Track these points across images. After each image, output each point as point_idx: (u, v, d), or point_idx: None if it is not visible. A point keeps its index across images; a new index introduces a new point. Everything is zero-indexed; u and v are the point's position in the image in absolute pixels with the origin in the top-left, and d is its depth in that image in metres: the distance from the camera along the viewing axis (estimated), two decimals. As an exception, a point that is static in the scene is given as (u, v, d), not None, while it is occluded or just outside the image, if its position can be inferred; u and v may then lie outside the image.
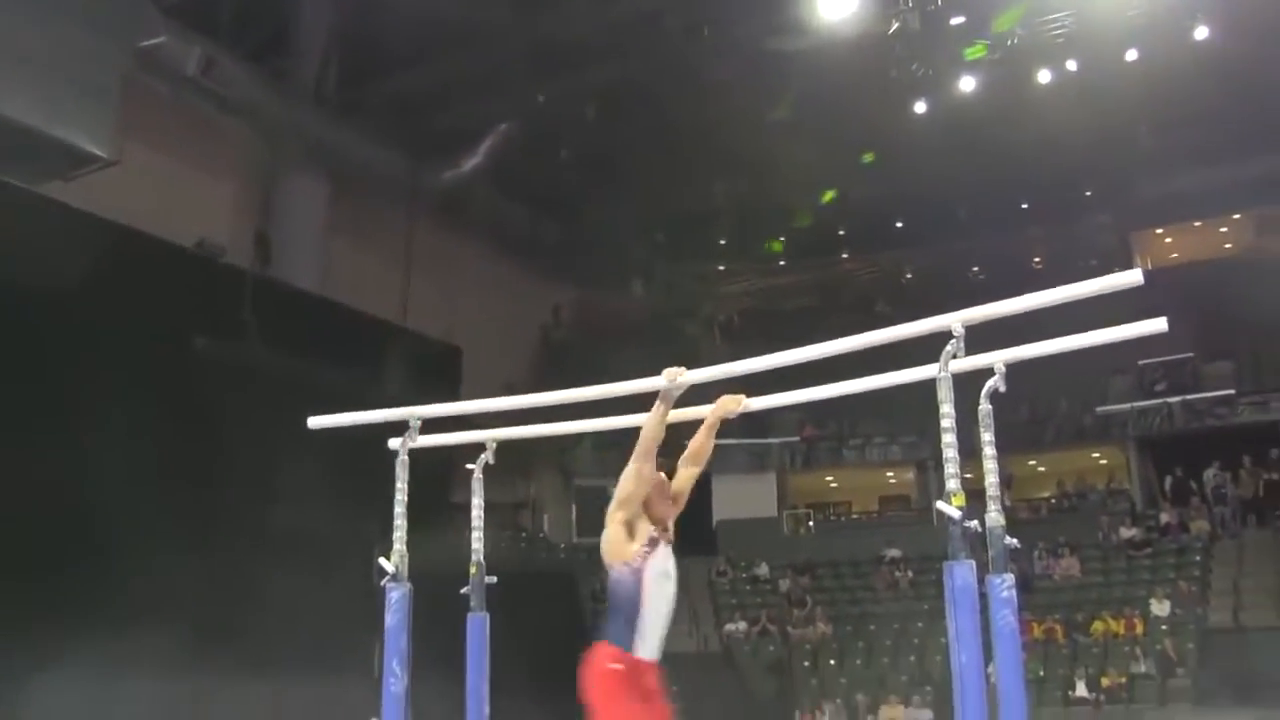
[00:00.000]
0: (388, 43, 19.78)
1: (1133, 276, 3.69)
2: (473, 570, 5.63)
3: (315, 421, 5.82)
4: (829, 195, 27.43)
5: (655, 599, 4.75)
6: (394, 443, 5.49)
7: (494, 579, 5.66)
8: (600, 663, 4.70)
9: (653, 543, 4.88)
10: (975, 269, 32.02)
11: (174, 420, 15.23)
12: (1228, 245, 32.56)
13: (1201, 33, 20.16)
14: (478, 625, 5.55)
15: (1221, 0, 19.82)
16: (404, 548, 5.33)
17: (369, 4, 19.41)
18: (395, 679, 5.20)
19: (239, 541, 15.78)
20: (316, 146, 21.60)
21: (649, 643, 4.73)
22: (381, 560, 5.30)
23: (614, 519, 4.93)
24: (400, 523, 5.37)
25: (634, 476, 4.92)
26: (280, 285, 20.22)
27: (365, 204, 23.49)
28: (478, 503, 5.83)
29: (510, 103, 22.88)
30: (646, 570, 4.77)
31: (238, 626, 14.76)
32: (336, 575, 15.65)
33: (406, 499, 5.53)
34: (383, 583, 5.30)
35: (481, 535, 5.77)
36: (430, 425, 5.72)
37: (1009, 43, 20.51)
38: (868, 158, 25.04)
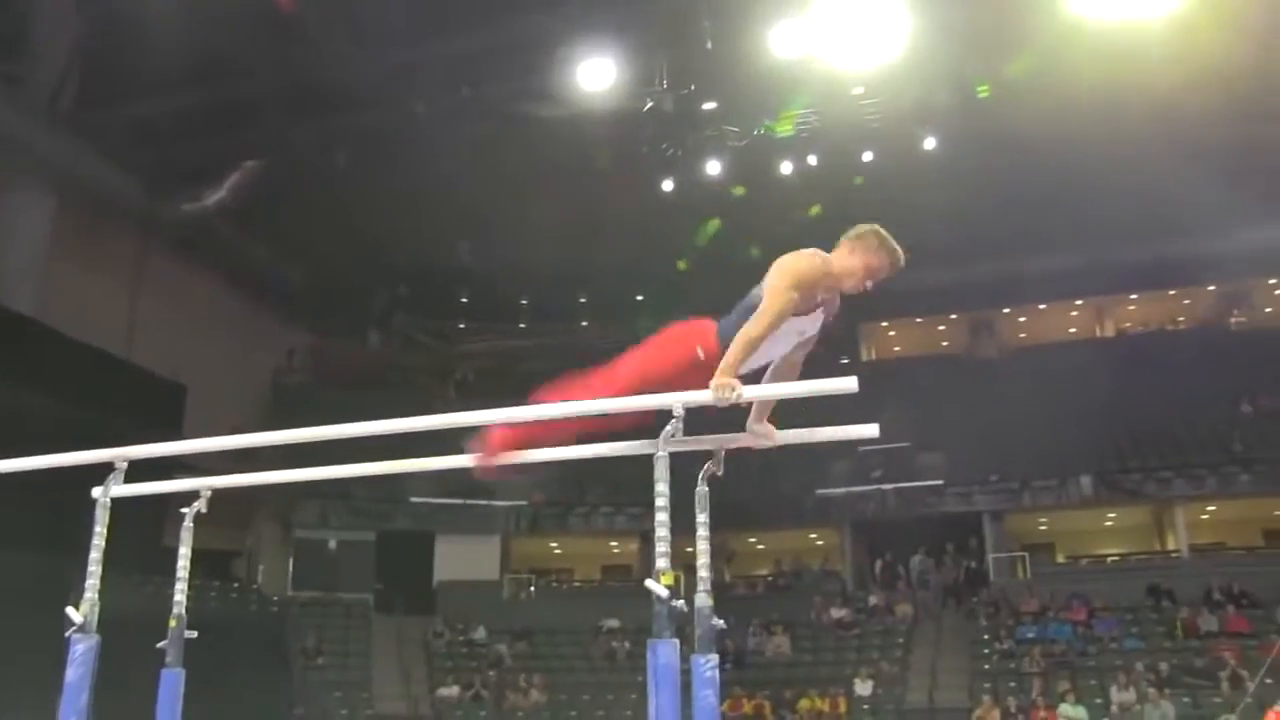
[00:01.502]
0: (136, 64, 18.91)
1: (848, 384, 3.86)
2: (172, 623, 5.35)
3: (4, 465, 5.44)
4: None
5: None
6: (96, 490, 5.17)
7: (194, 633, 5.40)
8: (694, 329, 4.58)
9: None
10: (712, 346, 32.93)
11: None
12: (945, 343, 34.59)
13: (930, 143, 21.50)
14: (171, 681, 5.26)
15: (946, 116, 21.16)
16: (96, 597, 5.01)
17: (118, 22, 18.55)
18: (73, 738, 4.87)
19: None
20: (46, 162, 20.49)
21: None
22: (70, 610, 4.97)
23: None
24: (94, 570, 5.03)
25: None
26: (-9, 305, 19.07)
27: (96, 229, 22.39)
28: (184, 552, 5.52)
29: (260, 140, 22.31)
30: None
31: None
32: (26, 624, 14.63)
33: (109, 544, 5.18)
34: (68, 634, 4.97)
35: (185, 587, 5.49)
36: (144, 465, 5.41)
37: (755, 132, 21.32)
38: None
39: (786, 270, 4.36)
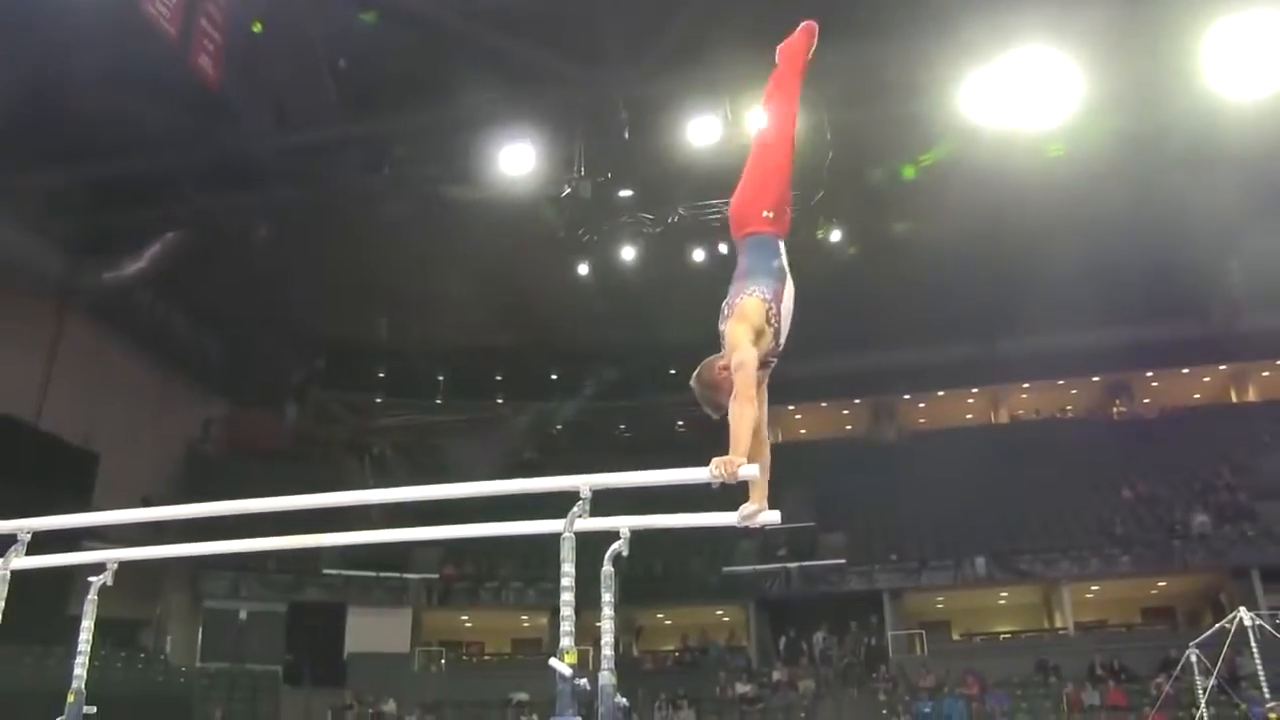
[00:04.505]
0: (58, 132, 18.55)
1: (749, 470, 3.82)
2: (70, 698, 5.09)
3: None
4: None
5: None
6: (-2, 562, 4.92)
7: (93, 709, 5.13)
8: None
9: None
10: (622, 426, 32.89)
11: None
12: (849, 427, 34.93)
13: (836, 235, 21.81)
14: (67, 758, 5.01)
15: (851, 211, 21.54)
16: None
17: (40, 89, 18.17)
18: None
19: None
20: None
21: None
22: (-39, 685, 4.72)
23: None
24: (-10, 644, 4.83)
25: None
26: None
27: (12, 294, 21.80)
28: (87, 625, 5.26)
29: (181, 211, 21.93)
30: None
31: None
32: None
33: (9, 613, 4.90)
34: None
35: (86, 661, 5.24)
36: (53, 530, 5.14)
37: (670, 220, 21.48)
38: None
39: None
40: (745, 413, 4.05)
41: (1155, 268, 24.92)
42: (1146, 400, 33.47)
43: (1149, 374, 33.25)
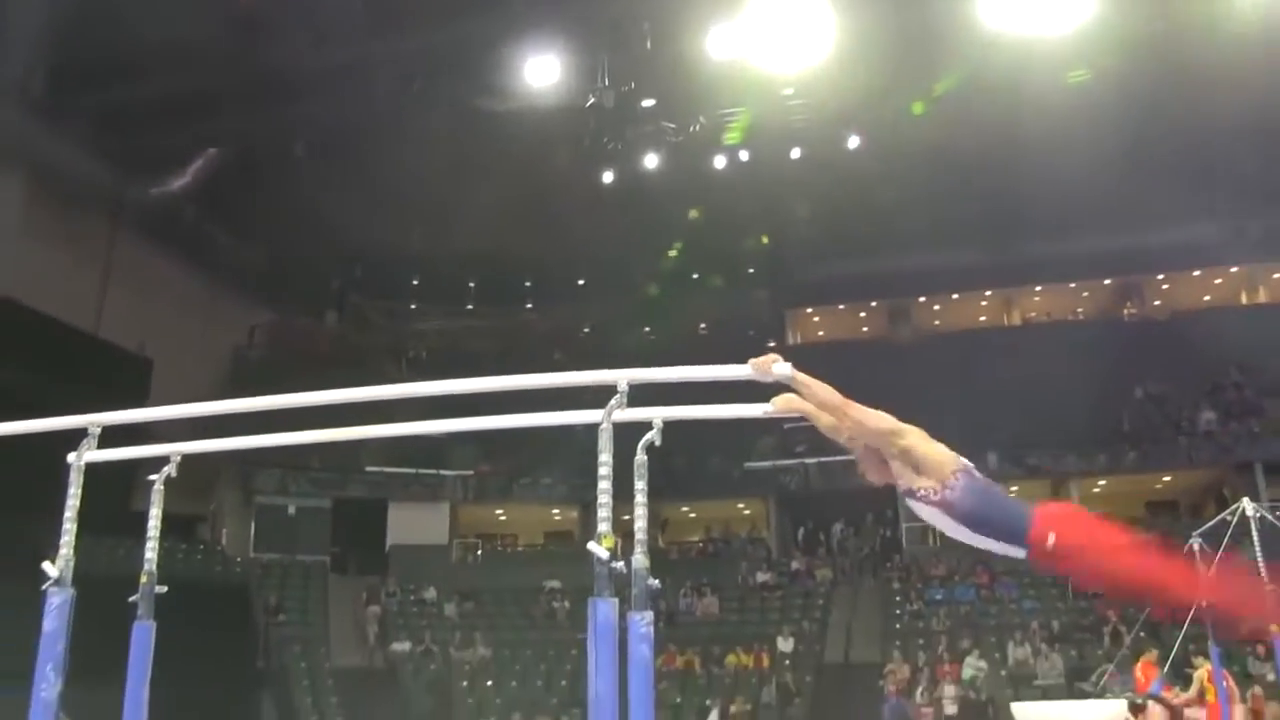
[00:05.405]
0: (104, 53, 18.53)
1: (783, 369, 3.92)
2: (143, 579, 5.31)
3: (-20, 430, 5.33)
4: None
5: None
6: (71, 455, 5.09)
7: (164, 588, 5.35)
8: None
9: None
10: (647, 329, 32.95)
11: None
12: (865, 329, 34.87)
13: (853, 141, 21.63)
14: (143, 633, 5.22)
15: (868, 118, 21.33)
16: (70, 553, 4.96)
17: (88, 12, 18.12)
18: (47, 685, 4.81)
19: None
20: (17, 147, 20.07)
21: None
22: (45, 564, 4.91)
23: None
24: (69, 528, 4.99)
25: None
26: (-42, 281, 18.74)
27: (67, 210, 21.97)
28: (155, 514, 5.49)
29: (223, 128, 21.93)
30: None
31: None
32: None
33: (81, 506, 5.12)
34: (44, 587, 4.91)
35: (156, 545, 5.45)
36: (113, 435, 5.34)
37: (691, 129, 21.35)
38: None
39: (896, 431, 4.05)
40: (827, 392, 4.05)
41: (1168, 170, 24.58)
42: (1157, 303, 33.19)
43: (1160, 277, 32.90)
